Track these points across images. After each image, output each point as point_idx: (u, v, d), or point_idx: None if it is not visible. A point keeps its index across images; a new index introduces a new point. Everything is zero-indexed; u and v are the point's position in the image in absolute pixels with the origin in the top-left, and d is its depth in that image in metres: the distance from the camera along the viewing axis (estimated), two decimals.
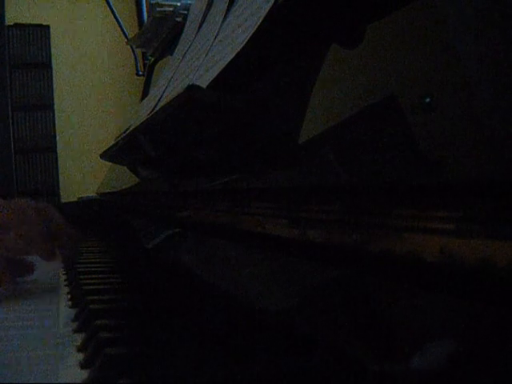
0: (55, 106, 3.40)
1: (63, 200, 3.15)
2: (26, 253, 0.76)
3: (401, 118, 0.30)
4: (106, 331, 0.46)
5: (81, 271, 0.82)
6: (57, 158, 3.39)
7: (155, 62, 1.51)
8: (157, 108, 0.78)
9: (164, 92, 0.85)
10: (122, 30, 2.32)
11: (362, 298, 0.32)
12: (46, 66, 3.38)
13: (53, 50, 3.40)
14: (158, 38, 1.43)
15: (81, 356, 0.44)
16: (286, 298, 0.41)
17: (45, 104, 3.37)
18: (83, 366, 0.42)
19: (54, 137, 3.39)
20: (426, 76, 0.28)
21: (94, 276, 0.78)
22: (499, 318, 0.22)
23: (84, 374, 0.40)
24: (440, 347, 0.24)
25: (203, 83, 0.54)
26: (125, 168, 1.25)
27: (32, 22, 3.37)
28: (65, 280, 0.84)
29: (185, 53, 0.85)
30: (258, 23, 0.48)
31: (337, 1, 0.40)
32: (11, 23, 3.33)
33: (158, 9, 1.30)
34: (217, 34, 0.66)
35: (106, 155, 1.20)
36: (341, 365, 0.31)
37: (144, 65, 2.30)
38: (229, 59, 0.51)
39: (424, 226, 0.26)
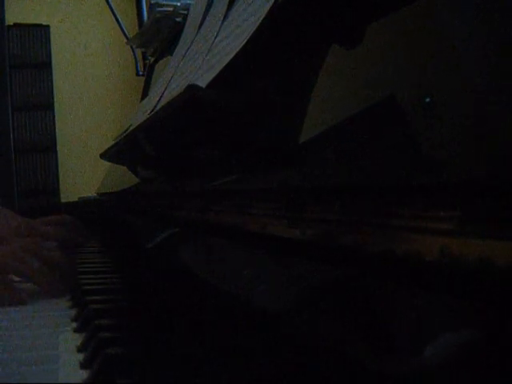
0: (55, 106, 3.40)
1: (63, 200, 3.15)
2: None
3: (401, 117, 0.30)
4: (106, 331, 0.46)
5: (81, 271, 0.82)
6: (57, 158, 3.39)
7: (155, 62, 1.51)
8: (157, 108, 0.78)
9: (164, 92, 0.85)
10: (122, 30, 2.32)
11: (361, 298, 0.32)
12: (46, 65, 3.38)
13: (53, 50, 3.40)
14: (158, 38, 1.43)
15: (81, 356, 0.44)
16: (285, 298, 0.41)
17: (45, 104, 3.37)
18: (83, 366, 0.42)
19: (54, 137, 3.38)
20: (426, 76, 0.28)
21: (93, 276, 0.78)
22: (499, 318, 0.22)
23: (84, 374, 0.40)
24: (440, 347, 0.24)
25: (203, 83, 0.54)
26: (125, 168, 1.25)
27: (32, 22, 3.37)
28: None
29: (185, 53, 0.85)
30: (258, 23, 0.48)
31: (337, 1, 0.40)
32: (11, 23, 3.33)
33: (158, 9, 1.30)
34: (217, 34, 0.66)
35: (106, 155, 1.20)
36: (341, 365, 0.31)
37: (144, 65, 2.30)
38: (229, 59, 0.51)
39: (424, 226, 0.26)
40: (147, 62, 1.89)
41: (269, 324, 0.41)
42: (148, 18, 1.44)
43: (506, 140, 0.22)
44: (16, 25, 3.34)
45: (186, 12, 1.20)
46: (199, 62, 0.67)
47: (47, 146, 3.38)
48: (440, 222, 0.25)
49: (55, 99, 3.40)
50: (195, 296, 0.57)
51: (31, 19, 3.37)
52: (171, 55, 1.04)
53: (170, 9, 1.29)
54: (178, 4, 1.28)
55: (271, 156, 0.47)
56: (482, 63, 0.25)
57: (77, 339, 0.49)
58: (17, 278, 0.71)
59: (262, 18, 0.47)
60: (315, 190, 0.38)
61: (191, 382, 0.36)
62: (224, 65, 0.51)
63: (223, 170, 0.59)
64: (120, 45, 2.58)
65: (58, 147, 3.40)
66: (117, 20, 2.33)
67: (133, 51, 2.27)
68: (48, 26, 3.39)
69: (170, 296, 0.60)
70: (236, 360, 0.37)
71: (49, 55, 3.39)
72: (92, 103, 3.46)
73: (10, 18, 3.33)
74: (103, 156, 1.23)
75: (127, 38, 2.12)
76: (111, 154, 1.15)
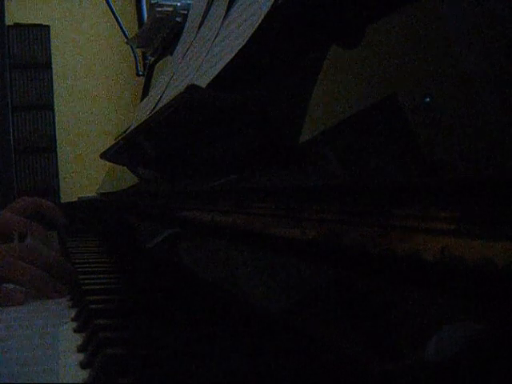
0: (55, 106, 3.40)
1: (63, 200, 3.15)
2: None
3: (401, 117, 0.30)
4: (106, 331, 0.46)
5: (81, 271, 0.82)
6: (57, 158, 3.39)
7: (155, 62, 1.51)
8: (157, 108, 0.78)
9: (164, 92, 0.85)
10: (122, 30, 2.32)
11: (361, 298, 0.32)
12: (46, 66, 3.38)
13: (53, 50, 3.40)
14: (157, 38, 1.43)
15: (81, 356, 0.44)
16: (285, 298, 0.41)
17: (45, 104, 3.38)
18: (83, 366, 0.42)
19: (54, 137, 3.39)
20: (426, 76, 0.28)
21: (94, 276, 0.78)
22: (499, 318, 0.22)
23: (84, 374, 0.40)
24: (440, 347, 0.24)
25: (203, 83, 0.54)
26: (125, 168, 1.25)
27: (32, 22, 3.37)
28: None
29: (185, 53, 0.85)
30: (258, 23, 0.48)
31: (337, 1, 0.40)
32: (11, 23, 3.33)
33: (158, 9, 1.31)
34: (217, 34, 0.66)
35: (106, 155, 1.20)
36: (340, 365, 0.31)
37: (144, 65, 2.30)
38: (229, 59, 0.51)
39: (424, 226, 0.26)
40: (147, 62, 1.90)
41: (269, 324, 0.41)
42: (148, 17, 1.44)
43: (506, 140, 0.22)
44: (16, 25, 3.34)
45: (186, 12, 1.20)
46: (199, 61, 0.67)
47: (47, 146, 3.38)
48: (440, 221, 0.25)
49: (55, 99, 3.40)
50: (195, 296, 0.57)
51: (31, 19, 3.37)
52: (171, 55, 1.04)
53: (170, 9, 1.29)
54: (178, 4, 1.28)
55: (271, 156, 0.47)
56: (482, 63, 0.25)
57: (77, 339, 0.49)
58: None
59: (261, 18, 0.47)
60: (315, 190, 0.38)
61: (191, 382, 0.36)
62: (224, 65, 0.51)
63: (223, 169, 0.59)
64: (120, 45, 2.58)
65: (58, 147, 3.40)
66: (117, 20, 2.33)
67: (133, 51, 2.27)
68: (48, 26, 3.39)
69: (169, 296, 0.60)
70: (236, 360, 0.37)
71: (49, 55, 3.39)
72: (92, 103, 3.46)
73: (10, 18, 3.33)
74: (103, 156, 1.23)
75: (127, 38, 2.12)
76: (111, 154, 1.15)
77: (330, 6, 0.40)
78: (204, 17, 0.84)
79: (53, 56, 3.40)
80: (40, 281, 0.70)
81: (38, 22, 3.38)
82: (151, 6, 1.36)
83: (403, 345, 0.27)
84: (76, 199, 2.14)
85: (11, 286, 0.70)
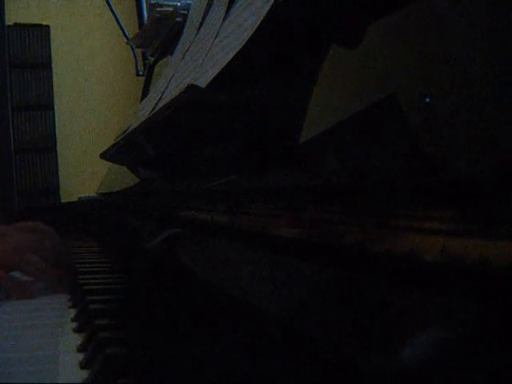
0: (55, 106, 3.39)
1: (63, 200, 3.15)
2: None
3: (401, 117, 0.30)
4: (106, 331, 0.46)
5: (81, 271, 0.82)
6: (57, 158, 3.39)
7: (155, 62, 1.51)
8: (157, 108, 0.78)
9: (164, 92, 0.85)
10: (122, 30, 2.32)
11: (361, 298, 0.32)
12: (46, 66, 3.38)
13: (53, 50, 3.40)
14: (157, 38, 1.43)
15: (81, 356, 0.44)
16: (285, 298, 0.41)
17: (45, 104, 3.37)
18: (83, 366, 0.42)
19: (54, 137, 3.38)
20: (426, 76, 0.28)
21: (93, 276, 0.78)
22: (499, 318, 0.22)
23: (84, 374, 0.40)
24: (439, 347, 0.24)
25: (203, 83, 0.54)
26: (125, 168, 1.25)
27: (32, 22, 3.36)
28: None
29: (185, 53, 0.85)
30: (258, 23, 0.48)
31: (337, 1, 0.40)
32: (11, 23, 3.33)
33: (158, 9, 1.31)
34: (217, 34, 0.66)
35: (106, 155, 1.20)
36: (339, 365, 0.31)
37: (144, 65, 2.30)
38: (229, 59, 0.51)
39: (424, 226, 0.26)
40: (147, 62, 1.90)
41: (269, 324, 0.41)
42: (148, 18, 1.44)
43: (506, 140, 0.22)
44: (16, 25, 3.34)
45: (186, 12, 1.20)
46: (199, 62, 0.67)
47: (47, 146, 3.37)
48: (440, 221, 0.25)
49: (55, 99, 3.40)
50: (195, 296, 0.57)
51: (31, 19, 3.37)
52: (171, 55, 1.04)
53: (170, 9, 1.29)
54: (178, 4, 1.28)
55: (271, 156, 0.47)
56: (482, 63, 0.25)
57: (77, 339, 0.49)
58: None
59: (262, 18, 0.47)
60: (315, 190, 0.38)
61: (191, 382, 0.36)
62: (224, 65, 0.51)
63: (223, 169, 0.59)
64: (120, 45, 2.58)
65: (58, 147, 3.40)
66: (117, 20, 2.33)
67: (133, 51, 2.27)
68: (48, 26, 3.39)
69: (169, 296, 0.60)
70: (236, 360, 0.37)
71: (49, 55, 3.39)
72: (92, 103, 3.46)
73: (10, 18, 3.33)
74: (103, 156, 1.23)
75: (127, 38, 2.12)
76: (111, 154, 1.15)
77: (329, 6, 0.40)
78: (204, 17, 0.84)
79: (53, 56, 3.40)
80: (42, 270, 0.70)
81: (38, 22, 3.38)
82: (151, 6, 1.36)
83: (402, 344, 0.27)
84: (76, 199, 2.14)
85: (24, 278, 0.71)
